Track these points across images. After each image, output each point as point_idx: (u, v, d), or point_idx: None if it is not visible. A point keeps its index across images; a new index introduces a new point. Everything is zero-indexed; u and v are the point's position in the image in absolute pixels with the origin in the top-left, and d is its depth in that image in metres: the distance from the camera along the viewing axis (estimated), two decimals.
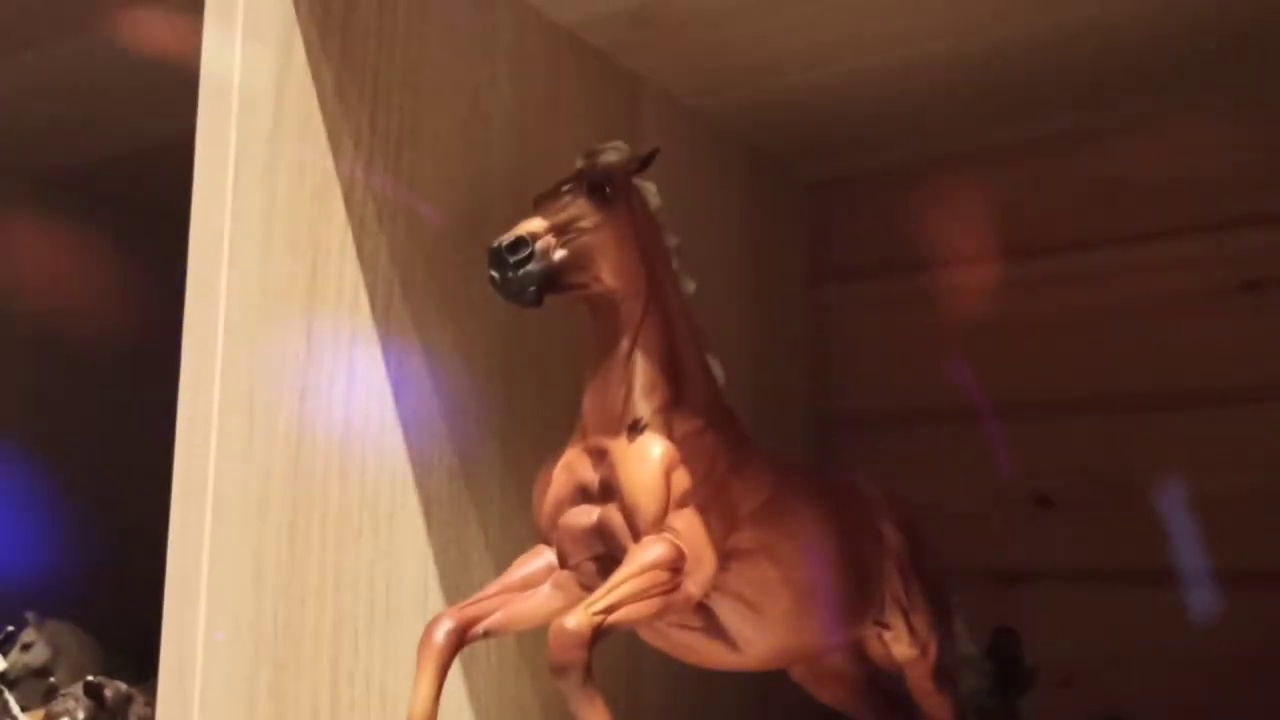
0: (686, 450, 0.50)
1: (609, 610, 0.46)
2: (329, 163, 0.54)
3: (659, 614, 0.48)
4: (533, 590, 0.52)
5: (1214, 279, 0.83)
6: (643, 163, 0.54)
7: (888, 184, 0.97)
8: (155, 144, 0.97)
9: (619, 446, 0.50)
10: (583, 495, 0.52)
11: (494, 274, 0.49)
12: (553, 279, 0.49)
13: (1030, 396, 0.89)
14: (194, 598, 0.48)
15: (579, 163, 0.54)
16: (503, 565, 0.55)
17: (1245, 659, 0.78)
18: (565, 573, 0.52)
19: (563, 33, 0.71)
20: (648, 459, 0.49)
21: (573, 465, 0.52)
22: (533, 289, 0.49)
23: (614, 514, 0.50)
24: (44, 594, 0.99)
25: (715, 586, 0.51)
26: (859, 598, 0.59)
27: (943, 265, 0.94)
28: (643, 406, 0.51)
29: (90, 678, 0.68)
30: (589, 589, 0.50)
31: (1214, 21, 0.72)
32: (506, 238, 0.49)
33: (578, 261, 0.50)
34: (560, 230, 0.50)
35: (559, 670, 0.44)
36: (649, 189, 0.55)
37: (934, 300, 0.94)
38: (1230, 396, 0.82)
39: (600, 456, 0.51)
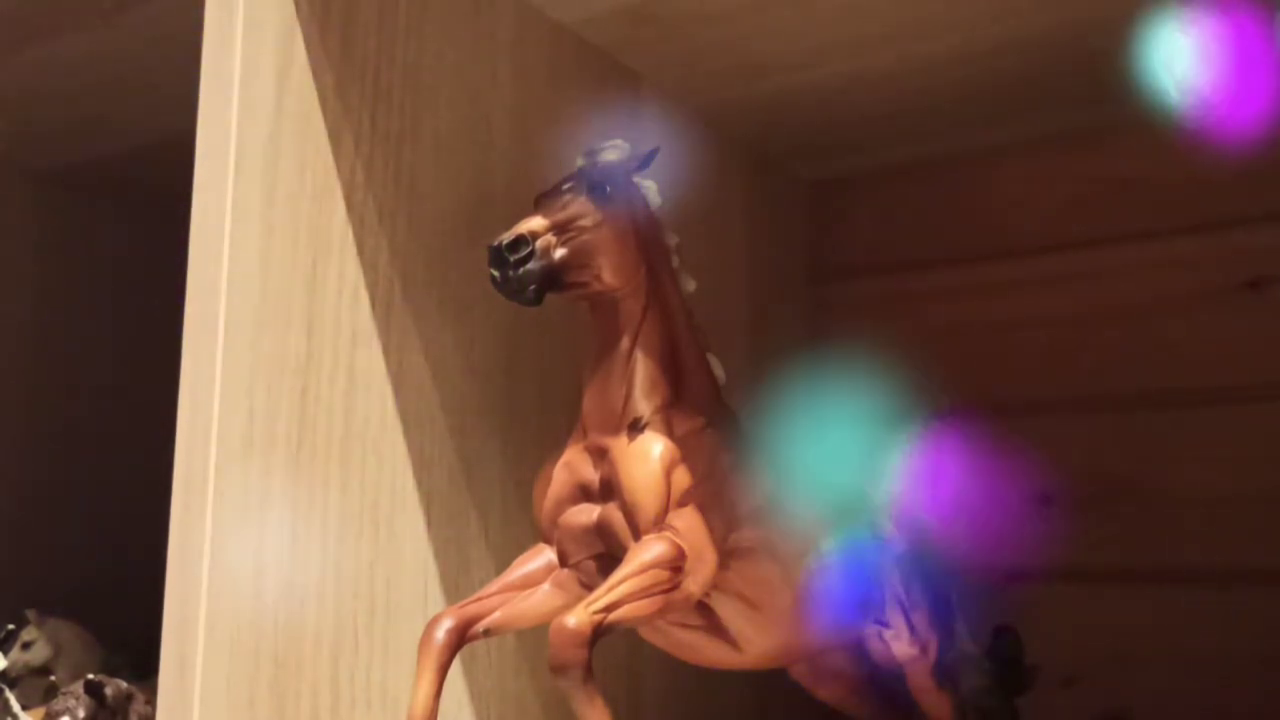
0: (687, 449, 0.50)
1: (609, 609, 0.46)
2: (329, 162, 0.54)
3: (659, 613, 0.48)
4: (533, 589, 0.52)
5: (1214, 278, 0.83)
6: (643, 161, 0.54)
7: (888, 184, 0.97)
8: (156, 142, 0.97)
9: (619, 445, 0.50)
10: (583, 494, 0.52)
11: (494, 273, 0.49)
12: (553, 278, 0.49)
13: (1030, 396, 0.89)
14: (194, 597, 0.48)
15: (579, 161, 0.54)
16: (503, 564, 0.55)
17: (1245, 659, 0.78)
18: (565, 571, 0.52)
19: (563, 31, 0.71)
20: (648, 458, 0.49)
21: (573, 464, 0.52)
22: (533, 288, 0.49)
23: (614, 513, 0.50)
24: (45, 592, 0.99)
25: (715, 585, 0.51)
26: (859, 596, 0.59)
27: (943, 265, 0.94)
28: (643, 405, 0.51)
29: (91, 676, 0.68)
30: (589, 588, 0.50)
31: None
32: (507, 236, 0.49)
33: (578, 260, 0.50)
34: (561, 229, 0.50)
35: (559, 669, 0.44)
36: (649, 188, 0.55)
37: (934, 300, 0.94)
38: (1230, 396, 0.82)
39: (600, 455, 0.51)
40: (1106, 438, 0.86)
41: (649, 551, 0.48)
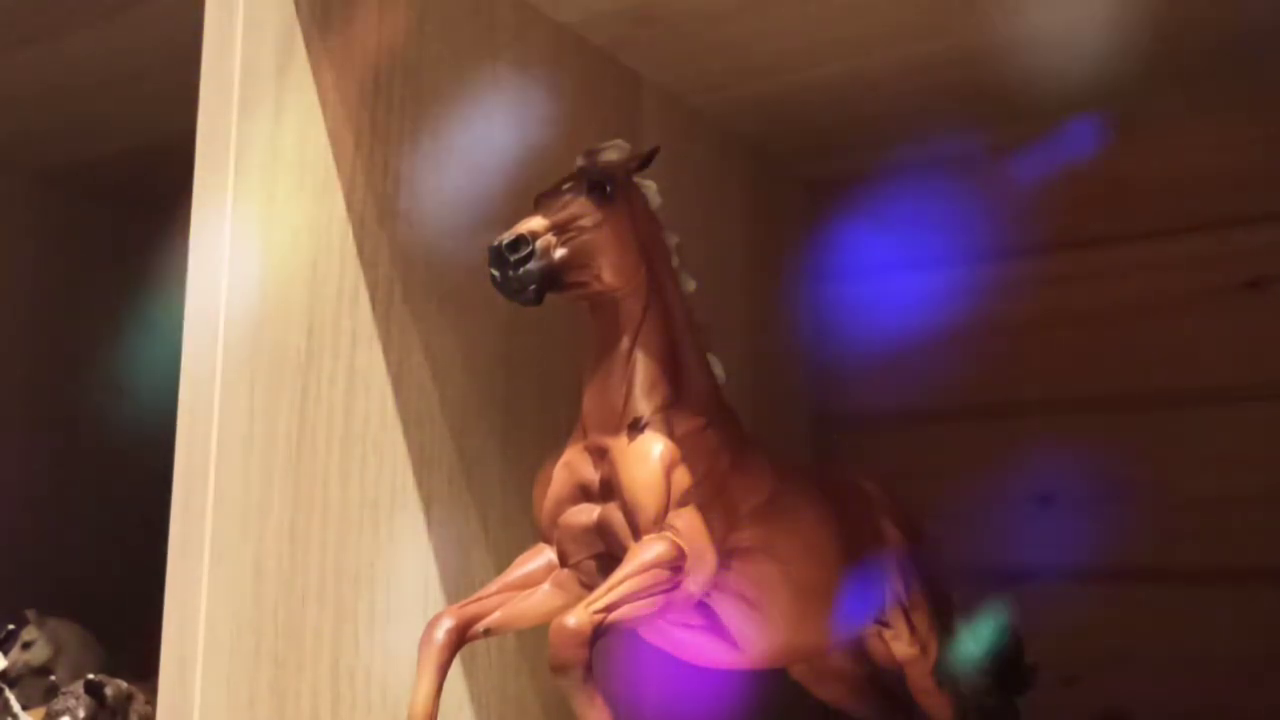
0: (687, 449, 0.50)
1: (609, 608, 0.46)
2: (329, 162, 0.54)
3: (659, 612, 0.48)
4: (533, 589, 0.52)
5: (1215, 278, 0.83)
6: (643, 161, 0.54)
7: (887, 184, 0.97)
8: (156, 142, 0.97)
9: (619, 445, 0.51)
10: (583, 494, 0.52)
11: (494, 272, 0.49)
12: (553, 277, 0.49)
13: (1030, 396, 0.89)
14: (194, 597, 0.48)
15: (579, 161, 0.54)
16: (503, 564, 0.55)
17: (1245, 659, 0.78)
18: (565, 571, 0.52)
19: (563, 31, 0.71)
20: (648, 457, 0.49)
21: (573, 464, 0.52)
22: (533, 287, 0.49)
23: (614, 512, 0.50)
24: (45, 592, 0.99)
25: (715, 585, 0.51)
26: (859, 596, 0.59)
27: (943, 265, 0.94)
28: (643, 405, 0.51)
29: (91, 676, 0.68)
30: (589, 587, 0.50)
31: (1214, 21, 0.72)
32: (507, 236, 0.49)
33: (578, 260, 0.50)
34: (561, 229, 0.50)
35: (559, 668, 0.44)
36: (649, 187, 0.55)
37: (934, 300, 0.94)
38: (1230, 396, 0.82)
39: (601, 455, 0.51)
40: (1106, 438, 0.86)
41: (649, 551, 0.48)
